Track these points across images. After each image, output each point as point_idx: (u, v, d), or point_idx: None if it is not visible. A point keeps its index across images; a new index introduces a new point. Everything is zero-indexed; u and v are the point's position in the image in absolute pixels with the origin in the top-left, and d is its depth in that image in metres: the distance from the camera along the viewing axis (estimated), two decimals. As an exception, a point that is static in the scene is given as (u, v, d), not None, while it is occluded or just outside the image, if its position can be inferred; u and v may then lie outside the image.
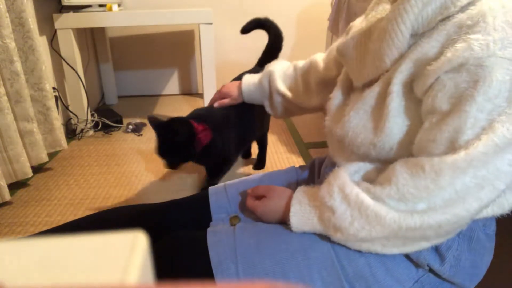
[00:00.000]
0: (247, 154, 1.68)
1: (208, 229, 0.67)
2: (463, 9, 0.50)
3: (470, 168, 0.46)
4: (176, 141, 1.03)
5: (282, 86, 0.92)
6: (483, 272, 0.60)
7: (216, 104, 1.04)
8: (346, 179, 0.57)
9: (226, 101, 1.03)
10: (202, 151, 1.08)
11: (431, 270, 0.58)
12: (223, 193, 0.79)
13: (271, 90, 0.94)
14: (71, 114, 1.97)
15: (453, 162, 0.47)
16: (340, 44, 0.68)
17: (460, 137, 0.47)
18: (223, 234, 0.64)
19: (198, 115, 1.12)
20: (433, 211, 0.49)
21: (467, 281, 0.58)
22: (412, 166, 0.51)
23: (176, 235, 0.67)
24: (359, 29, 0.64)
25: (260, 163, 1.61)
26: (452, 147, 0.48)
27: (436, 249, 0.56)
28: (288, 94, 0.91)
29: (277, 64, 0.97)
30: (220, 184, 0.83)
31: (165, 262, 0.62)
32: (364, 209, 0.52)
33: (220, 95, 1.04)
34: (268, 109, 0.97)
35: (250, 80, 0.98)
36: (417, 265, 0.58)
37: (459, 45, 0.47)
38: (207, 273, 0.59)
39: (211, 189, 0.81)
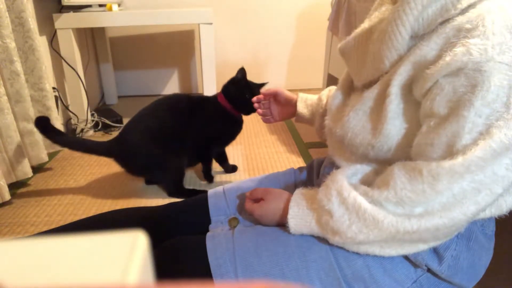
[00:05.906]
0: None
1: (208, 233, 0.67)
2: (463, 11, 0.50)
3: (468, 173, 0.46)
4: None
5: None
6: (482, 272, 0.60)
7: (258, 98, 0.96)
8: (344, 183, 0.57)
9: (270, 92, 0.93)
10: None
11: (429, 270, 0.58)
12: (222, 195, 0.79)
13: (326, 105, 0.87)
14: (71, 114, 1.97)
15: (451, 167, 0.47)
16: (342, 43, 0.68)
17: (458, 142, 0.47)
18: (222, 238, 0.64)
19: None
20: (430, 215, 0.49)
21: (466, 281, 0.58)
22: (410, 170, 0.51)
23: (176, 240, 0.67)
24: (361, 28, 0.64)
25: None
26: (450, 152, 0.48)
27: (434, 249, 0.56)
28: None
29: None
30: (219, 187, 0.83)
31: (165, 267, 0.62)
32: (362, 213, 0.52)
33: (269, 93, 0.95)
34: (317, 131, 0.88)
35: (307, 95, 0.93)
36: (415, 265, 0.58)
37: (457, 49, 0.47)
38: (206, 278, 0.60)
39: (210, 191, 0.81)
